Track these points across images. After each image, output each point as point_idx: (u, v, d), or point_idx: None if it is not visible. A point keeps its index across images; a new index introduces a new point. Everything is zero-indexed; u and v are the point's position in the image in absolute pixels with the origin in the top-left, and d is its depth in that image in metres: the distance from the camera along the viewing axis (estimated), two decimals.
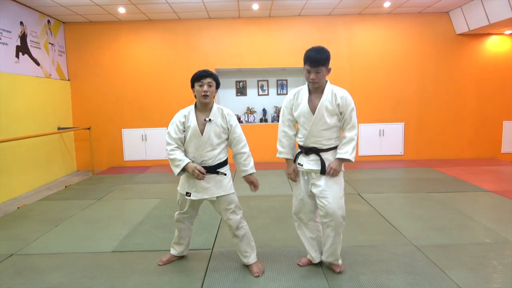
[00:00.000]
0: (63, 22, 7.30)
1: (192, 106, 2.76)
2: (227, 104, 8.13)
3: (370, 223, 3.92)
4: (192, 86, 2.72)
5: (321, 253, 2.91)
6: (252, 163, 2.84)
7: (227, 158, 2.81)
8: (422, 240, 3.41)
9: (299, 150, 2.82)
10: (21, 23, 5.93)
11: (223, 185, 2.74)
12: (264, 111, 7.98)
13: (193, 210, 2.91)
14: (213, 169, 2.70)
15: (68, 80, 7.44)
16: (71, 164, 7.44)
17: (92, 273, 2.90)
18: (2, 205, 5.13)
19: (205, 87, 2.64)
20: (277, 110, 7.95)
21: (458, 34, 7.38)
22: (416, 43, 7.45)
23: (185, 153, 2.73)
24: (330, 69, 2.65)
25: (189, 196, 2.72)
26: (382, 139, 7.66)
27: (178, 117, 2.73)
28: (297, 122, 2.79)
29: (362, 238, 3.50)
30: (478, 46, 7.45)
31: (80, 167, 7.66)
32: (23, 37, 5.96)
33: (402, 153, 7.69)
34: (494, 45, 7.44)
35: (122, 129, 7.60)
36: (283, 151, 2.85)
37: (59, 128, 6.85)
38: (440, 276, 2.73)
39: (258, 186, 2.86)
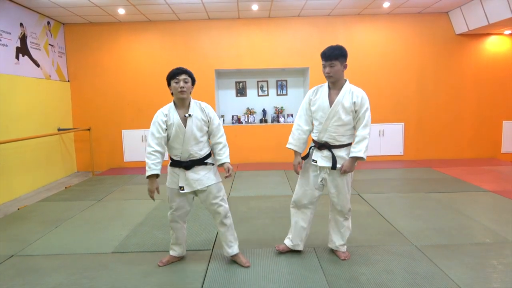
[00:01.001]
0: (63, 23, 7.30)
1: (171, 104, 2.83)
2: (227, 105, 8.13)
3: (370, 223, 3.93)
4: (169, 84, 2.80)
5: (303, 244, 3.14)
6: (227, 153, 2.92)
7: (210, 150, 2.94)
8: (422, 240, 3.42)
9: (312, 145, 2.96)
10: (21, 24, 5.93)
11: (212, 174, 2.86)
12: (264, 111, 7.98)
13: (184, 206, 2.92)
14: (200, 161, 2.82)
15: (68, 81, 7.44)
16: (71, 165, 7.44)
17: (92, 274, 2.90)
18: (2, 206, 5.13)
19: (181, 83, 2.72)
20: (277, 111, 7.95)
21: (457, 34, 7.39)
22: (415, 43, 7.46)
23: (172, 149, 2.83)
24: (346, 65, 2.81)
25: (183, 190, 2.80)
26: (382, 139, 7.67)
27: (160, 116, 2.79)
28: (313, 118, 2.93)
29: (362, 238, 3.50)
30: (477, 46, 7.45)
31: (80, 168, 7.66)
32: (23, 39, 5.97)
33: (402, 153, 7.69)
34: (494, 45, 7.45)
35: (122, 130, 7.61)
36: (292, 143, 2.98)
37: (59, 129, 6.85)
38: (440, 276, 2.73)
39: (231, 174, 2.91)
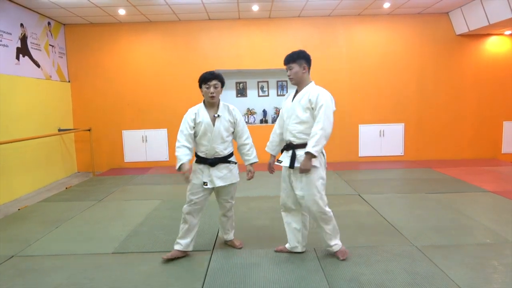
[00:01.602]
0: (64, 24, 7.31)
1: (201, 104, 3.07)
2: None
3: (370, 223, 3.93)
4: (200, 86, 3.02)
5: (302, 246, 3.15)
6: (255, 153, 3.20)
7: (233, 150, 3.16)
8: (422, 240, 3.41)
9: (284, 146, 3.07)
10: (22, 25, 5.94)
11: (234, 173, 3.14)
12: (264, 112, 7.99)
13: (203, 201, 3.11)
14: (224, 159, 3.06)
15: (69, 81, 7.45)
16: (71, 166, 7.45)
17: (92, 274, 2.91)
18: (2, 207, 5.14)
19: (212, 89, 2.96)
20: (277, 111, 7.95)
21: (458, 35, 7.39)
22: (416, 44, 7.46)
23: (199, 146, 3.04)
24: (305, 67, 2.89)
25: (206, 185, 3.01)
26: (382, 139, 7.66)
27: (189, 115, 3.02)
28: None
29: (362, 239, 3.50)
30: (478, 46, 7.45)
31: (81, 169, 7.66)
32: (23, 39, 5.97)
33: (402, 154, 7.69)
34: (494, 45, 7.45)
35: (123, 131, 7.61)
36: (268, 146, 3.21)
37: (59, 130, 6.86)
38: (440, 276, 2.73)
39: (253, 176, 3.24)
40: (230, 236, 3.35)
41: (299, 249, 3.15)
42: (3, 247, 3.54)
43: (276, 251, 3.23)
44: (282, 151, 3.10)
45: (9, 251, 3.42)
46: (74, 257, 3.26)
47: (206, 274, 2.87)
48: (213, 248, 3.36)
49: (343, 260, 3.01)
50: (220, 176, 3.04)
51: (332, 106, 2.86)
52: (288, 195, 3.08)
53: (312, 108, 2.81)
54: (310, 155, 2.77)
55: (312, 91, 2.85)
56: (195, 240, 3.19)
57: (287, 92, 8.08)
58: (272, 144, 3.18)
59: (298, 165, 2.85)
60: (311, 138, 2.77)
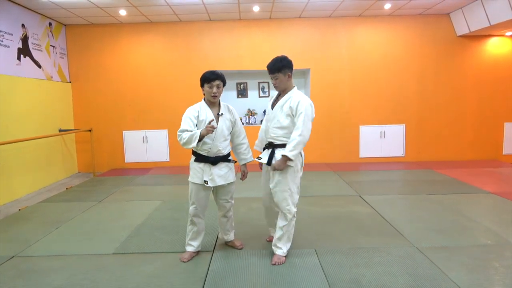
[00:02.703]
0: (65, 25, 7.32)
1: (202, 103, 3.06)
2: None
3: (371, 225, 3.92)
4: (202, 85, 3.02)
5: None
6: (251, 153, 3.28)
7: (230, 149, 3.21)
8: (423, 242, 3.41)
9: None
10: (23, 25, 5.95)
11: (232, 173, 3.16)
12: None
13: (205, 201, 3.12)
14: (225, 158, 3.09)
15: (70, 82, 7.45)
16: (72, 166, 7.45)
17: (93, 275, 2.90)
18: (3, 207, 5.14)
19: (214, 89, 2.97)
20: None
21: (458, 36, 7.38)
22: (416, 45, 7.46)
23: (202, 144, 2.99)
24: (289, 75, 3.03)
25: (207, 184, 2.99)
26: (383, 140, 7.66)
27: (192, 112, 2.98)
28: None
29: (363, 240, 3.49)
30: (478, 47, 7.45)
31: (81, 169, 7.67)
32: (24, 40, 5.98)
33: (403, 155, 7.69)
34: (495, 46, 7.44)
35: (123, 131, 7.61)
36: (256, 144, 3.35)
37: (60, 130, 6.86)
38: (442, 278, 2.73)
39: (246, 176, 3.29)
40: (231, 236, 3.37)
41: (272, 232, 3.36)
42: (4, 247, 3.54)
43: (268, 241, 3.43)
44: (263, 149, 3.22)
45: (10, 251, 3.42)
46: (74, 257, 3.25)
47: (206, 275, 2.87)
48: (214, 249, 3.36)
49: (273, 264, 3.00)
50: (221, 174, 3.05)
51: (312, 114, 3.00)
52: (267, 191, 3.19)
53: (293, 115, 2.95)
54: (286, 158, 2.91)
55: (293, 98, 2.97)
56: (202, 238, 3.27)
57: None
58: (261, 142, 3.29)
59: (273, 162, 3.01)
60: (290, 142, 2.91)
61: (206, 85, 2.98)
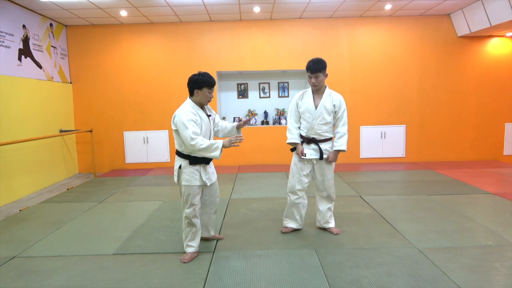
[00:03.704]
0: (65, 25, 7.33)
1: (193, 104, 3.04)
2: (228, 107, 8.14)
3: (372, 225, 3.92)
4: (199, 88, 3.00)
5: (301, 225, 3.74)
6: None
7: None
8: (424, 242, 3.41)
9: (301, 140, 3.55)
10: (24, 26, 5.96)
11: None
12: (266, 113, 7.98)
13: (200, 200, 3.17)
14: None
15: (70, 83, 7.46)
16: (72, 167, 7.45)
17: (93, 276, 2.91)
18: (4, 208, 5.14)
19: (212, 94, 3.09)
20: (279, 113, 7.95)
21: (459, 36, 7.38)
22: (417, 46, 7.46)
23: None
24: (327, 74, 3.45)
25: (206, 183, 3.09)
26: (384, 141, 7.65)
27: (192, 116, 2.96)
28: (301, 118, 3.55)
29: (363, 241, 3.49)
30: (479, 48, 7.44)
31: (82, 170, 7.67)
32: (25, 40, 5.99)
33: (404, 155, 7.68)
34: (496, 47, 7.44)
35: (124, 132, 7.62)
36: (292, 137, 3.56)
37: (61, 131, 6.87)
38: (443, 278, 2.72)
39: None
40: (213, 231, 3.56)
41: (298, 226, 3.74)
42: (4, 248, 3.54)
43: (283, 232, 3.73)
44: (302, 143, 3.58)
45: (10, 252, 3.42)
46: (75, 258, 3.26)
47: (207, 276, 2.87)
48: (214, 250, 3.36)
49: (336, 234, 3.61)
50: (213, 171, 3.24)
51: None
52: (299, 181, 3.57)
53: (335, 112, 3.46)
54: (339, 151, 3.47)
55: (334, 96, 3.49)
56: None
57: (287, 93, 8.10)
58: (296, 135, 3.56)
59: (325, 156, 3.48)
60: (341, 137, 3.47)
61: (206, 89, 2.99)
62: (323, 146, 3.48)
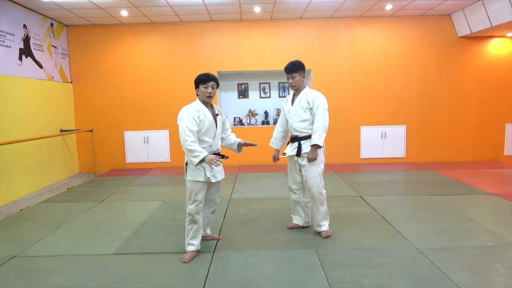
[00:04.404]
0: (66, 25, 7.33)
1: (199, 103, 3.16)
2: (229, 107, 8.14)
3: (372, 225, 3.92)
4: (197, 86, 3.16)
5: (307, 222, 3.81)
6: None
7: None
8: (424, 243, 3.40)
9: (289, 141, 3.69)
10: (24, 26, 5.96)
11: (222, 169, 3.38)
12: (266, 113, 7.98)
13: (204, 198, 3.21)
14: (219, 154, 3.26)
15: (71, 82, 7.47)
16: (73, 166, 7.46)
17: (93, 275, 2.91)
18: (4, 207, 5.14)
19: (209, 89, 3.12)
20: (279, 112, 7.95)
21: (460, 37, 7.38)
22: (417, 46, 7.45)
23: (202, 143, 3.09)
24: (304, 75, 3.56)
25: (210, 180, 3.13)
26: (384, 141, 7.65)
27: (193, 113, 3.04)
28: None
29: (364, 241, 3.49)
30: (480, 48, 7.44)
31: (82, 169, 7.68)
32: (26, 40, 5.99)
33: (404, 156, 7.68)
34: (496, 47, 7.43)
35: (124, 132, 7.62)
36: (272, 141, 3.81)
37: (61, 131, 6.87)
38: (443, 279, 2.72)
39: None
40: (209, 231, 3.57)
41: (301, 223, 3.80)
42: (5, 247, 3.54)
43: (289, 228, 3.82)
44: (288, 143, 3.71)
45: (11, 251, 3.43)
46: (75, 258, 3.26)
47: (207, 276, 2.87)
48: (214, 250, 3.36)
49: (326, 237, 3.53)
50: (219, 170, 3.27)
51: (326, 105, 3.50)
52: (293, 180, 3.69)
53: (310, 108, 3.47)
54: (316, 146, 3.41)
55: (309, 94, 3.51)
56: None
57: (288, 93, 8.09)
58: (276, 139, 3.80)
59: (304, 153, 3.48)
60: (315, 132, 3.41)
61: (201, 86, 3.11)
62: (305, 143, 3.51)
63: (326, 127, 3.43)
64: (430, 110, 7.57)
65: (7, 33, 5.52)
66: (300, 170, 3.59)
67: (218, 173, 3.23)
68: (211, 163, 2.86)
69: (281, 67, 7.50)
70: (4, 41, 5.43)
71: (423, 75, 7.50)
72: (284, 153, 3.68)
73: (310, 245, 3.40)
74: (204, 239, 3.50)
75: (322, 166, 3.54)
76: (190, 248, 3.19)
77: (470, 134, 7.63)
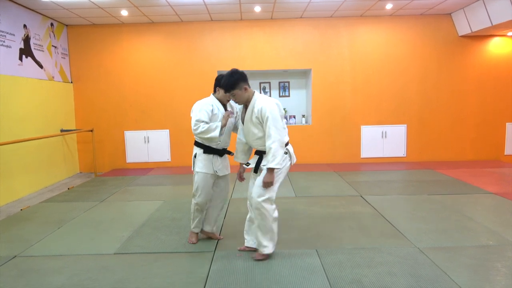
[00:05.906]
0: (66, 25, 7.33)
1: (213, 98, 3.27)
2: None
3: (372, 225, 3.91)
4: (218, 85, 3.23)
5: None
6: None
7: None
8: (424, 242, 3.40)
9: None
10: (25, 26, 5.96)
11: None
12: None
13: (211, 189, 3.34)
14: (227, 150, 3.38)
15: (71, 82, 7.47)
16: (73, 166, 7.46)
17: (94, 275, 2.91)
18: (5, 207, 5.15)
19: (231, 97, 3.07)
20: None
21: (460, 36, 7.37)
22: (418, 45, 7.45)
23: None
24: (245, 87, 2.95)
25: (218, 173, 3.28)
26: (385, 141, 7.65)
27: (207, 106, 3.18)
28: None
29: (364, 240, 3.49)
30: (480, 47, 7.43)
31: (83, 169, 7.68)
32: (26, 40, 5.99)
33: (405, 155, 7.68)
34: (497, 46, 7.42)
35: (125, 131, 7.62)
36: (235, 155, 3.30)
37: (61, 130, 6.87)
38: (443, 278, 2.72)
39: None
40: (215, 228, 3.60)
41: (248, 243, 3.27)
42: (5, 247, 3.54)
43: (240, 250, 3.29)
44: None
45: (11, 251, 3.43)
46: (76, 257, 3.26)
47: (208, 275, 2.87)
48: (215, 249, 3.36)
49: (256, 260, 3.07)
50: (226, 165, 3.39)
51: (279, 112, 2.94)
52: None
53: (261, 122, 2.93)
54: (271, 170, 2.89)
55: (255, 106, 2.94)
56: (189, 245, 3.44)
57: (288, 93, 8.10)
58: (239, 153, 3.26)
59: (262, 166, 3.02)
60: (267, 155, 2.89)
61: (221, 90, 3.20)
62: (265, 159, 2.99)
63: (282, 142, 2.87)
64: (430, 109, 7.57)
65: (7, 33, 5.52)
66: None
67: (224, 168, 3.35)
68: (229, 117, 3.14)
69: (281, 66, 7.60)
70: (4, 41, 5.43)
71: (423, 74, 7.50)
72: (248, 163, 3.20)
73: (310, 245, 3.40)
74: (207, 234, 3.54)
75: (276, 186, 3.02)
76: (196, 230, 3.44)
77: (470, 133, 7.63)
